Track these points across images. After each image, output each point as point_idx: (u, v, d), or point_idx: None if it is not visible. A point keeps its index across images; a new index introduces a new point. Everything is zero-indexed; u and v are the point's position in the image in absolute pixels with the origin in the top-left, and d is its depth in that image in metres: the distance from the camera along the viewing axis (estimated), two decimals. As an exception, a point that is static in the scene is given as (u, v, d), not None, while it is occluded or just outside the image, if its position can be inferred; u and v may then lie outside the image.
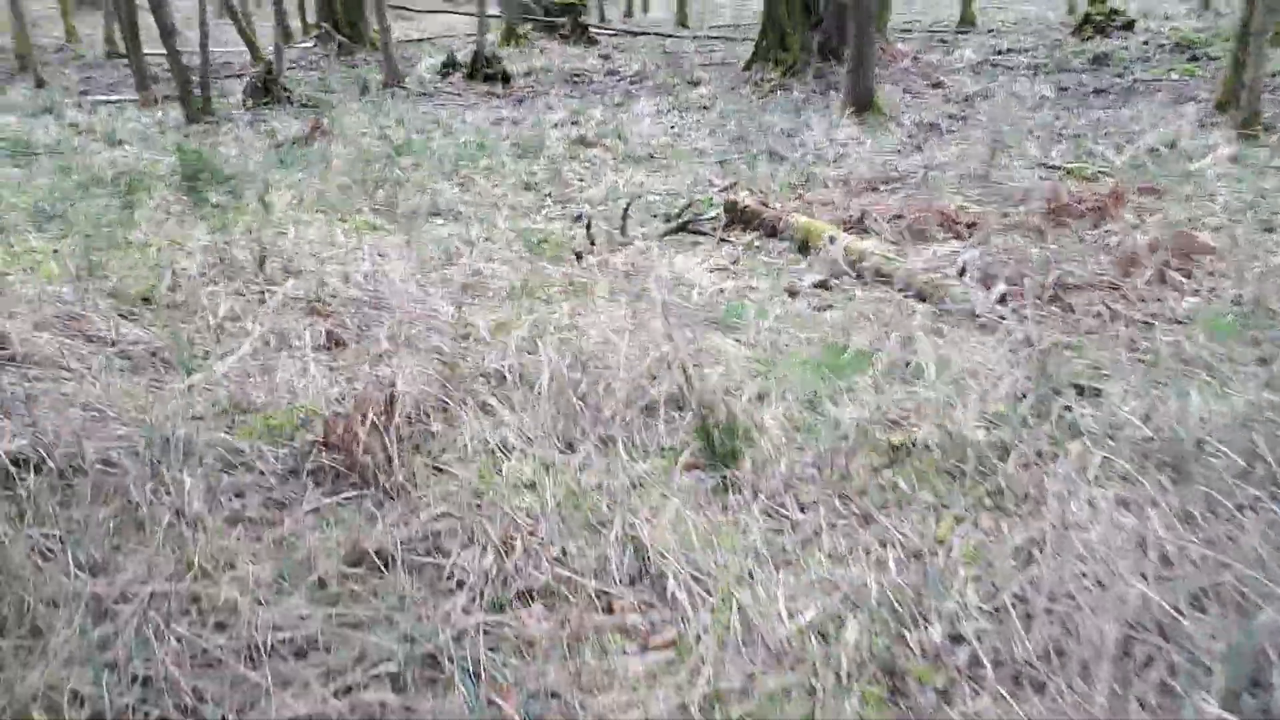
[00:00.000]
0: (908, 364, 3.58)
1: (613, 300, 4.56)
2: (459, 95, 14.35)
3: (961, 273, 4.63)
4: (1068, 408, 3.22)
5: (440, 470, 3.05)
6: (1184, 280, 4.52)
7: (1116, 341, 3.91)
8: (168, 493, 2.66)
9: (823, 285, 5.04)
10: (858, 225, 5.69)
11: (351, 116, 11.23)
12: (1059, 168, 7.43)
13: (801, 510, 2.75)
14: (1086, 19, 16.55)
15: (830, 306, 4.64)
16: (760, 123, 10.29)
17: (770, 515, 2.75)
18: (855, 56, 9.82)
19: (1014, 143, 8.46)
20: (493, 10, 21.73)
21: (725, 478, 2.89)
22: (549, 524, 2.68)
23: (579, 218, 6.72)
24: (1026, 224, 5.55)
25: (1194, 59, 13.69)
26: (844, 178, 7.24)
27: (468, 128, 10.53)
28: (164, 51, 11.21)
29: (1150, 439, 2.89)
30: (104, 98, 13.56)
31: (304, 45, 20.07)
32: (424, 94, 14.36)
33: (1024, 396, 3.25)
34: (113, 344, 3.95)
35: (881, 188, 6.92)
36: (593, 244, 5.80)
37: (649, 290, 4.64)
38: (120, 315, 4.30)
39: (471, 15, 22.63)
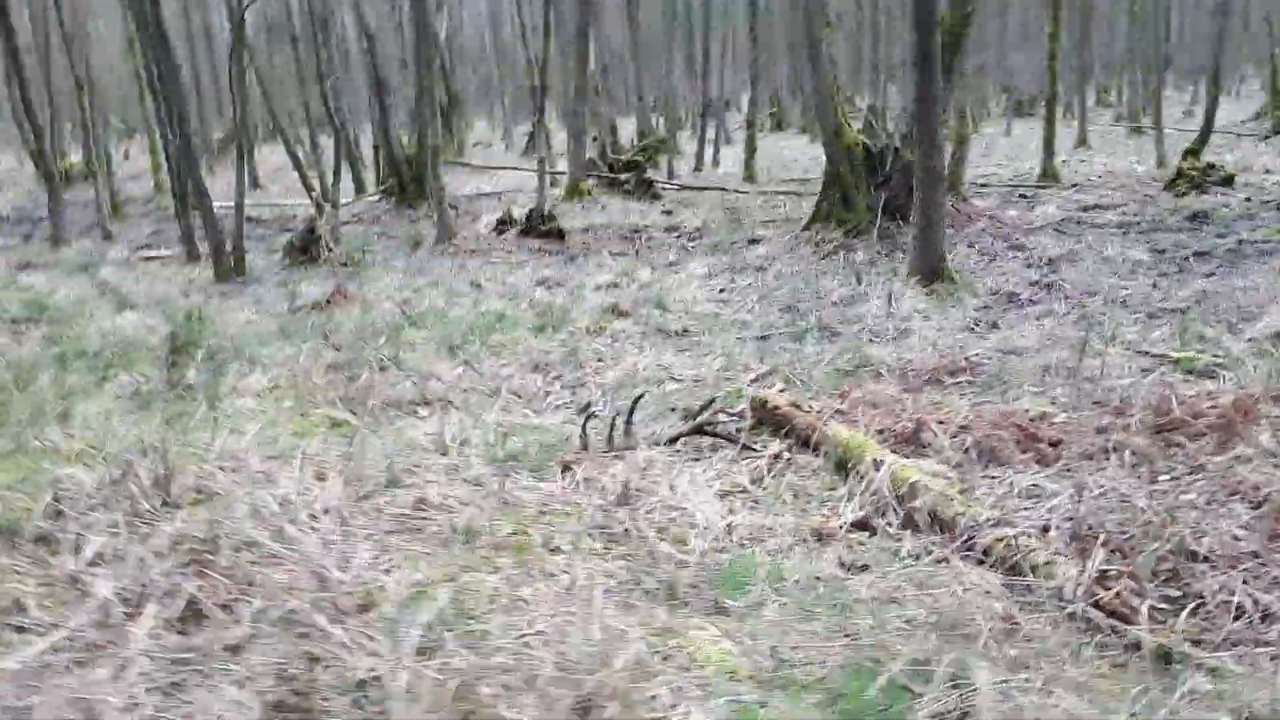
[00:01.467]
0: (965, 717, 2.42)
1: (578, 551, 3.53)
2: (511, 252, 13.89)
3: (1045, 530, 3.48)
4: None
5: None
6: (1362, 552, 3.29)
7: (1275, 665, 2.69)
8: None
9: (862, 526, 3.92)
10: (912, 440, 4.59)
11: (388, 277, 10.74)
12: (1164, 356, 6.24)
13: None
14: (1179, 174, 15.46)
15: (867, 568, 3.51)
16: (817, 289, 9.38)
17: None
18: (922, 220, 8.91)
19: (1106, 321, 7.32)
20: (561, 166, 21.81)
21: None
22: None
23: (587, 406, 5.79)
24: (1128, 445, 4.38)
25: (1307, 218, 12.45)
26: (903, 365, 6.17)
27: (505, 290, 9.86)
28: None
29: None
30: (155, 253, 13.50)
31: (371, 197, 20.24)
32: (475, 251, 13.96)
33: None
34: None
35: (947, 380, 5.82)
36: (586, 448, 4.82)
37: (630, 534, 3.62)
38: (-41, 559, 3.43)
39: (548, 171, 22.76)
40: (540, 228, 14.62)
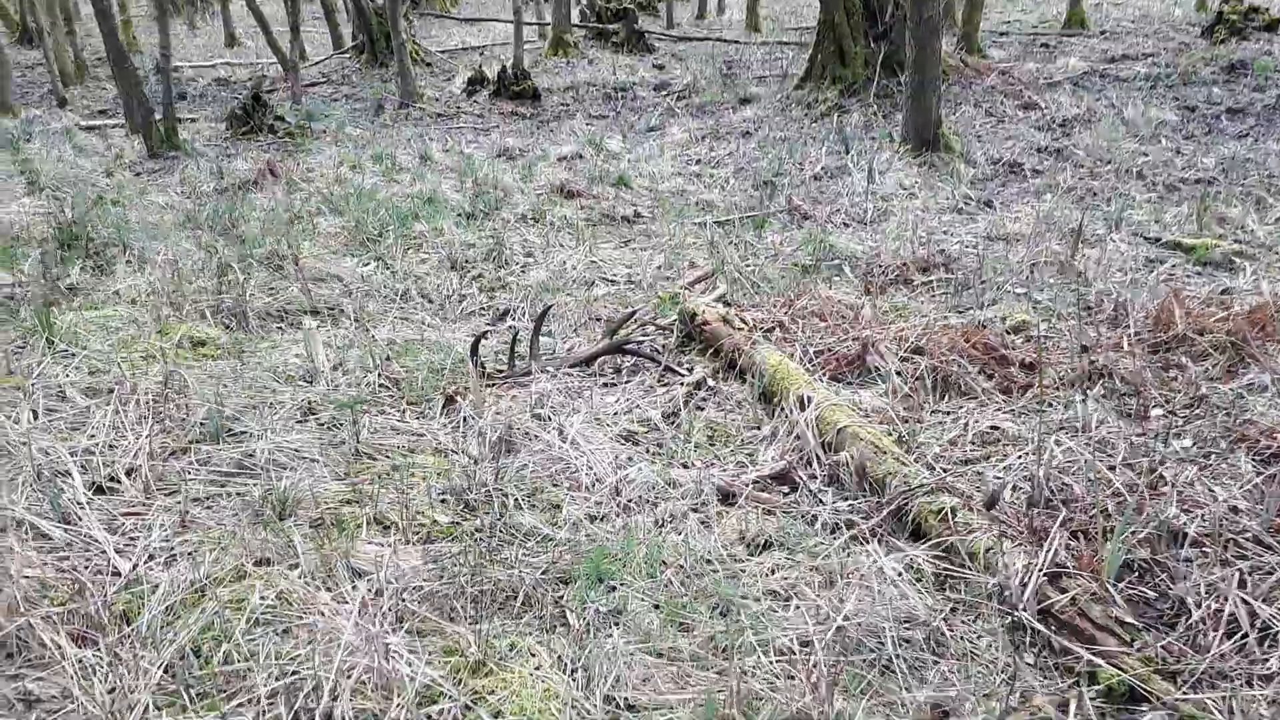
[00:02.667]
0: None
1: (409, 531, 2.88)
2: (480, 117, 12.86)
3: (992, 503, 2.77)
4: None
5: None
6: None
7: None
8: None
9: (782, 479, 3.24)
10: (857, 363, 3.85)
11: (333, 149, 9.81)
12: (1176, 245, 5.38)
13: None
14: (1219, 18, 13.98)
15: (771, 546, 2.85)
16: (800, 159, 8.43)
17: None
18: (915, 78, 7.86)
19: (1114, 199, 6.42)
20: (549, 17, 20.21)
21: None
22: None
23: (504, 315, 5.07)
24: (1117, 369, 3.62)
25: (1358, 68, 11.17)
26: (870, 259, 5.36)
27: (458, 164, 8.95)
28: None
29: None
30: (100, 123, 12.55)
31: (345, 55, 18.92)
32: (441, 115, 12.91)
33: None
34: None
35: (917, 278, 5.02)
36: (484, 374, 4.12)
37: (492, 499, 2.97)
38: None
39: (530, 24, 21.12)
40: (513, 88, 13.49)
